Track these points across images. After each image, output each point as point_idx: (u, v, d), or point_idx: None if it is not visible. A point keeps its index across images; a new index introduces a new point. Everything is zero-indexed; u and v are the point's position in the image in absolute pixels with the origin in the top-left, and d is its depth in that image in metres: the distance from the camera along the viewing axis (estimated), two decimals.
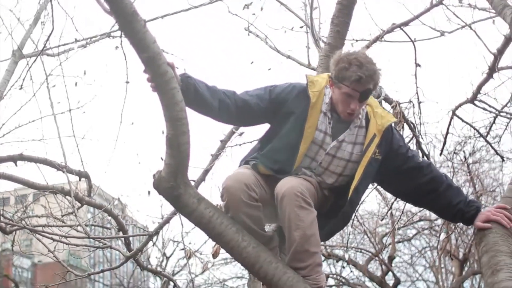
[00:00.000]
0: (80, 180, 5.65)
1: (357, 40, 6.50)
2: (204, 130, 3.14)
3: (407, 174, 3.41)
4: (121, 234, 5.51)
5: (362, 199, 3.56)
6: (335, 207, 3.40)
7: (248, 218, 3.14)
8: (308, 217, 3.12)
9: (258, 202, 3.17)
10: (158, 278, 28.28)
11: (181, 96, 2.90)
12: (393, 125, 3.44)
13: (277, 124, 3.36)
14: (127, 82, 5.81)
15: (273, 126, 3.40)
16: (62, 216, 6.01)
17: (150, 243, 5.84)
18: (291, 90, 3.35)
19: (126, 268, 40.51)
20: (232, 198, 3.10)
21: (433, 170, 3.47)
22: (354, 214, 3.50)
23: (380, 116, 3.36)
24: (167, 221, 4.53)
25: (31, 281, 39.73)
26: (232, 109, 3.26)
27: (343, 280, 17.11)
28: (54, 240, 4.54)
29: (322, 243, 3.99)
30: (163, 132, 2.97)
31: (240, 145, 4.94)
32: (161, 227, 4.55)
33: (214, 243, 4.35)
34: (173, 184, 3.01)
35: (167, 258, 29.97)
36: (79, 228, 5.79)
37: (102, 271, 4.79)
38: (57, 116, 5.13)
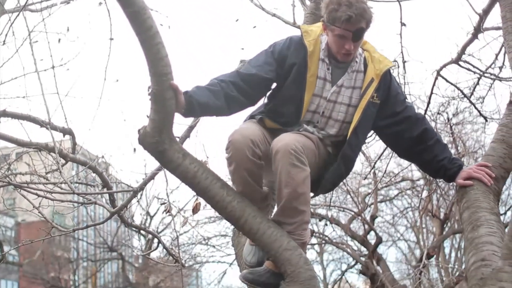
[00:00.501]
0: (64, 137, 5.64)
1: None
2: (189, 87, 3.12)
3: (404, 123, 3.45)
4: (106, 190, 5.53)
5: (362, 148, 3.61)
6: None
7: (248, 174, 3.17)
8: (299, 175, 3.14)
9: (261, 160, 3.19)
10: (142, 237, 28.54)
11: (166, 51, 2.89)
12: (391, 71, 3.49)
13: (282, 79, 3.37)
14: (111, 39, 5.76)
15: (278, 81, 3.41)
16: (46, 173, 6.00)
17: (135, 201, 5.87)
18: (289, 44, 3.38)
19: (110, 227, 40.70)
20: (237, 152, 3.13)
21: (427, 123, 3.54)
22: (355, 160, 3.51)
23: (378, 61, 3.41)
24: (151, 177, 4.54)
25: (15, 240, 39.80)
26: (241, 98, 3.27)
27: (326, 239, 17.31)
28: (39, 196, 4.54)
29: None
30: (148, 88, 2.96)
31: None
32: (145, 183, 4.57)
33: (194, 198, 4.37)
34: (158, 139, 3.01)
35: (151, 217, 30.18)
36: (63, 185, 5.81)
37: (87, 226, 4.81)
38: (40, 73, 5.09)
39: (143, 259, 36.50)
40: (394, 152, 4.19)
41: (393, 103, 3.45)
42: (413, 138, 3.45)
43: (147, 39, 2.81)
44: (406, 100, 3.56)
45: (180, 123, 3.53)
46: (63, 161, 5.25)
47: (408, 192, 17.70)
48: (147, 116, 3.04)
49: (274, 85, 3.45)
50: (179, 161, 3.06)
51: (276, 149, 3.14)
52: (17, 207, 7.52)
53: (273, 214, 3.32)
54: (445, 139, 14.72)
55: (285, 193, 3.15)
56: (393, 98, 3.45)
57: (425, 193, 13.97)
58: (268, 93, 3.48)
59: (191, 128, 4.48)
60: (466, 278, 2.85)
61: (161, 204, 4.93)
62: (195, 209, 4.48)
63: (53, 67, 5.51)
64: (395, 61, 6.29)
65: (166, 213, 4.83)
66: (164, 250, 6.15)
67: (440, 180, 12.15)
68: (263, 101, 3.52)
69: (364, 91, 3.37)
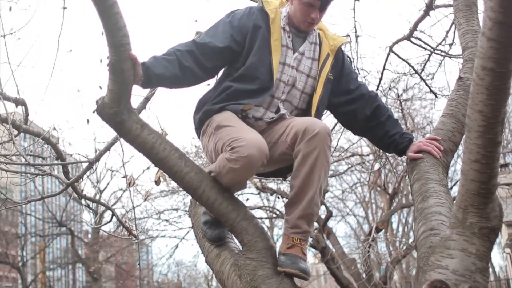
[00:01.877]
0: (16, 107, 5.55)
1: None
2: (145, 57, 3.12)
3: (358, 101, 3.51)
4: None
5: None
6: None
7: (249, 178, 3.18)
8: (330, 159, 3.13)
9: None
10: (91, 212, 28.29)
11: (124, 21, 2.87)
12: (343, 48, 3.55)
13: (250, 43, 3.34)
14: (65, 8, 5.67)
15: (247, 46, 3.35)
16: None
17: (85, 175, 5.83)
18: (249, 12, 3.40)
19: (59, 201, 40.20)
20: (249, 168, 3.01)
21: (379, 99, 3.60)
22: None
23: (332, 38, 3.47)
24: (107, 148, 4.51)
25: None
26: (196, 70, 3.24)
27: (277, 213, 17.48)
28: None
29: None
30: (101, 61, 2.95)
31: None
32: (101, 154, 4.54)
33: (157, 169, 4.37)
34: (116, 110, 3.00)
35: (101, 192, 29.93)
36: (13, 158, 5.72)
37: (42, 198, 4.75)
38: None
39: (92, 234, 36.25)
40: (345, 128, 4.19)
41: (347, 81, 3.50)
42: (367, 115, 3.52)
43: (106, 8, 2.78)
44: (359, 78, 3.62)
45: (136, 95, 3.52)
46: (15, 132, 5.18)
47: (358, 167, 18.00)
48: (100, 88, 3.03)
49: (234, 57, 3.39)
50: (137, 131, 3.06)
51: (318, 130, 3.05)
52: None
53: (287, 217, 3.22)
54: (395, 115, 14.99)
55: (316, 178, 3.09)
56: (346, 75, 3.51)
57: (376, 166, 14.23)
58: (233, 65, 3.41)
59: (147, 99, 4.47)
60: (416, 247, 2.94)
61: (123, 177, 4.91)
62: (158, 181, 4.49)
63: (4, 35, 5.40)
64: (347, 35, 6.37)
65: (130, 186, 4.82)
66: (116, 224, 6.14)
67: (390, 155, 12.41)
68: (221, 81, 3.46)
69: (322, 65, 3.41)
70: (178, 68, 3.19)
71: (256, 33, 3.33)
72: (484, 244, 2.56)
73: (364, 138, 13.95)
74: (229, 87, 3.35)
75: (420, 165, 3.33)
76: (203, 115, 3.36)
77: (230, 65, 3.44)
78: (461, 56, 4.12)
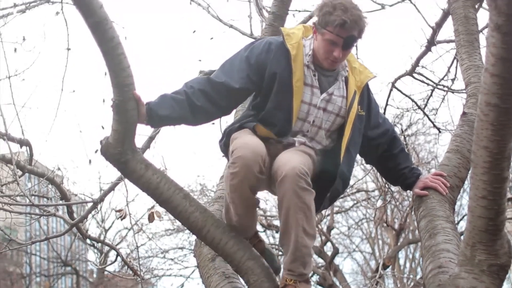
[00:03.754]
0: (21, 148, 5.58)
1: (299, 11, 6.58)
2: (149, 97, 3.12)
3: (383, 135, 3.44)
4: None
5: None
6: (330, 172, 3.25)
7: (251, 190, 3.04)
8: (309, 197, 3.00)
9: (264, 174, 3.05)
10: (97, 251, 28.16)
11: (128, 62, 2.89)
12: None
13: (267, 88, 3.19)
14: (68, 49, 5.73)
15: (263, 90, 3.22)
16: (2, 185, 5.91)
17: (90, 214, 5.82)
18: (268, 48, 3.21)
19: (64, 241, 40.04)
20: (246, 169, 2.95)
21: (395, 132, 3.56)
22: (350, 175, 3.37)
23: (358, 71, 3.30)
24: (112, 188, 4.52)
25: None
26: (209, 108, 3.15)
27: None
28: None
29: (262, 212, 3.91)
30: (103, 101, 2.96)
31: None
32: (105, 194, 4.55)
33: (150, 208, 4.36)
34: (121, 150, 3.00)
35: (106, 230, 29.82)
36: (18, 198, 5.72)
37: (46, 238, 4.74)
38: None
39: (98, 273, 36.06)
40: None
41: (375, 114, 3.41)
42: (386, 147, 3.46)
43: (109, 49, 2.80)
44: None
45: (140, 134, 3.51)
46: (19, 172, 5.19)
47: (364, 203, 17.93)
48: (102, 127, 3.03)
49: (252, 94, 3.31)
50: (142, 172, 3.06)
51: (285, 173, 2.96)
52: None
53: (283, 262, 3.13)
54: None
55: (294, 221, 2.99)
56: (373, 109, 3.41)
57: (379, 203, 14.18)
58: (254, 102, 3.30)
59: (151, 139, 4.48)
60: (424, 286, 2.91)
61: (116, 211, 4.90)
62: (151, 218, 4.48)
63: (9, 77, 5.44)
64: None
65: (122, 219, 4.80)
66: (121, 264, 6.10)
67: (395, 191, 12.36)
68: (248, 109, 3.36)
69: (350, 103, 3.23)
70: (187, 108, 3.09)
71: (273, 78, 3.17)
72: (494, 282, 2.53)
73: (369, 174, 13.94)
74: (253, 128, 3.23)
75: (426, 202, 3.32)
76: (226, 138, 3.25)
77: (252, 99, 3.35)
78: (464, 91, 4.13)
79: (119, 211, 4.84)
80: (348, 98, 3.24)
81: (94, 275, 39.56)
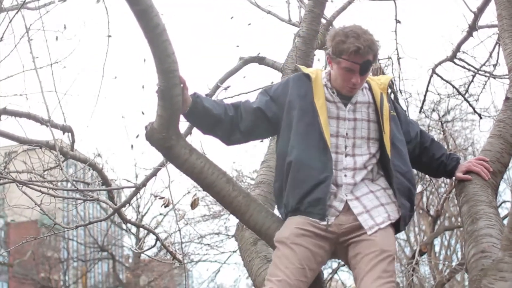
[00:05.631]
0: (63, 134, 5.68)
1: None
2: (190, 86, 3.15)
3: (415, 135, 3.43)
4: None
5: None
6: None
7: None
8: None
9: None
10: (132, 236, 28.53)
11: (173, 49, 2.93)
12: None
13: (287, 116, 3.22)
14: (109, 36, 5.79)
15: (286, 119, 3.23)
16: (44, 171, 6.03)
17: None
18: (286, 82, 3.32)
19: (100, 227, 40.61)
20: None
21: (419, 126, 3.55)
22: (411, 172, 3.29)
23: (377, 78, 3.37)
24: (154, 173, 4.59)
25: (4, 240, 39.64)
26: (237, 123, 3.20)
27: None
28: (43, 192, 4.57)
29: None
30: (143, 87, 3.00)
31: (225, 98, 5.00)
32: (148, 179, 4.62)
33: (192, 194, 4.40)
34: (165, 135, 3.05)
35: (142, 216, 30.17)
36: (59, 184, 5.84)
37: (90, 223, 4.86)
38: (38, 71, 5.11)
39: (133, 258, 36.51)
40: None
41: (402, 113, 3.44)
42: (411, 142, 3.42)
43: (155, 36, 2.85)
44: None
45: (182, 120, 3.54)
46: (62, 158, 5.29)
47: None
48: (142, 113, 3.07)
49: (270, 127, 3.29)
50: (186, 156, 3.11)
51: None
52: (6, 208, 7.52)
53: None
54: (436, 136, 14.89)
55: None
56: (399, 109, 3.43)
57: (418, 189, 14.06)
58: (279, 143, 3.28)
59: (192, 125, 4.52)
60: (467, 270, 2.92)
61: (160, 198, 4.96)
62: (194, 205, 4.52)
63: (51, 64, 5.53)
64: (389, 58, 6.38)
65: (165, 207, 4.87)
66: (159, 248, 6.17)
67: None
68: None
69: (381, 105, 3.24)
70: (223, 112, 3.16)
71: (295, 101, 3.21)
72: None
73: None
74: (289, 168, 3.15)
75: (468, 187, 3.32)
76: (285, 209, 3.18)
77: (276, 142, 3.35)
78: (506, 77, 4.09)
79: (162, 198, 4.90)
80: (377, 100, 3.25)
81: (130, 260, 40.13)
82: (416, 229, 22.88)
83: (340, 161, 3.16)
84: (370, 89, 3.30)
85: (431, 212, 16.29)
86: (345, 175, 3.15)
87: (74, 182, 4.87)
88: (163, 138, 3.06)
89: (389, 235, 3.08)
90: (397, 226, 3.15)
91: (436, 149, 3.48)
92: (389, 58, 6.31)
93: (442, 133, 12.91)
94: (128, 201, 4.64)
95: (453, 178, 3.48)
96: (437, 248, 24.04)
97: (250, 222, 3.17)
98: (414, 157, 3.42)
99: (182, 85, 3.00)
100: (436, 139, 3.58)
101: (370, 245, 3.03)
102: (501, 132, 3.53)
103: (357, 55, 3.06)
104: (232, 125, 3.20)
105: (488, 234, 2.93)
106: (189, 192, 14.54)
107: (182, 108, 3.06)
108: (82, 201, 4.53)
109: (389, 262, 3.00)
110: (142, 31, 2.87)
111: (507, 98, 3.65)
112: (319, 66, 5.98)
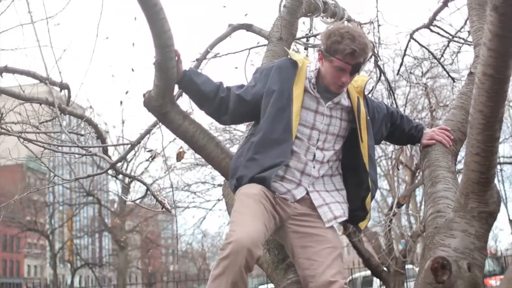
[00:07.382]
0: (61, 91, 5.94)
1: None
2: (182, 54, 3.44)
3: (393, 122, 3.73)
4: (100, 142, 5.89)
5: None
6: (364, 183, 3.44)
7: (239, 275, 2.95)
8: None
9: (252, 269, 2.98)
10: (118, 182, 28.80)
11: (169, 25, 3.23)
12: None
13: (266, 99, 3.35)
14: None
15: (265, 100, 3.37)
16: (40, 123, 6.25)
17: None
18: (272, 65, 3.47)
19: (86, 171, 40.79)
20: (234, 264, 2.90)
21: (393, 108, 3.82)
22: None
23: (354, 80, 3.43)
24: (148, 131, 4.88)
25: None
26: (226, 103, 3.36)
27: None
28: (45, 148, 4.88)
29: None
30: (133, 44, 3.24)
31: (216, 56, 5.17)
32: (142, 137, 4.91)
33: (178, 147, 4.58)
34: (161, 103, 3.39)
35: (127, 162, 30.43)
36: (52, 135, 6.11)
37: (89, 176, 5.17)
38: (30, 28, 5.24)
39: (119, 204, 36.88)
40: None
41: (378, 111, 3.63)
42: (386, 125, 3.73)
43: (153, 15, 3.13)
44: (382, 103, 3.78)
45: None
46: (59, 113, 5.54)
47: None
48: (132, 70, 3.31)
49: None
50: (180, 122, 3.45)
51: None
52: None
53: None
54: (419, 93, 15.22)
55: None
56: (376, 108, 3.63)
57: None
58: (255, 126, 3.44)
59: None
60: (424, 227, 3.27)
61: (148, 150, 5.18)
62: (179, 157, 4.74)
63: (47, 19, 5.67)
64: (371, 22, 6.63)
65: (152, 159, 5.10)
66: (143, 194, 6.39)
67: None
68: (247, 139, 3.43)
69: (358, 111, 3.40)
70: (213, 91, 3.35)
71: (274, 87, 3.34)
72: (483, 226, 2.91)
73: None
74: (251, 144, 3.31)
75: (431, 153, 3.62)
76: (237, 182, 3.30)
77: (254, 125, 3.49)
78: None
79: (150, 151, 5.13)
80: (354, 106, 3.41)
81: (115, 205, 40.55)
82: (399, 180, 23.34)
83: (311, 152, 3.34)
84: (348, 95, 3.44)
85: (412, 166, 16.69)
86: (314, 167, 3.34)
87: (71, 135, 5.13)
88: (159, 105, 3.40)
89: (336, 233, 3.35)
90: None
91: (406, 124, 3.78)
92: (371, 22, 6.56)
93: (424, 89, 13.19)
94: (124, 157, 4.94)
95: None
96: (418, 199, 24.57)
97: None
98: (388, 134, 3.75)
99: (176, 58, 3.32)
100: (416, 96, 3.87)
101: (323, 241, 3.23)
102: (463, 104, 3.81)
103: (351, 57, 3.19)
104: (221, 105, 3.38)
105: (445, 196, 3.23)
106: (174, 139, 14.71)
107: (177, 79, 3.38)
108: (81, 155, 4.82)
109: (341, 259, 3.25)
110: (141, 10, 3.16)
111: (470, 73, 3.92)
112: (304, 54, 6.16)
